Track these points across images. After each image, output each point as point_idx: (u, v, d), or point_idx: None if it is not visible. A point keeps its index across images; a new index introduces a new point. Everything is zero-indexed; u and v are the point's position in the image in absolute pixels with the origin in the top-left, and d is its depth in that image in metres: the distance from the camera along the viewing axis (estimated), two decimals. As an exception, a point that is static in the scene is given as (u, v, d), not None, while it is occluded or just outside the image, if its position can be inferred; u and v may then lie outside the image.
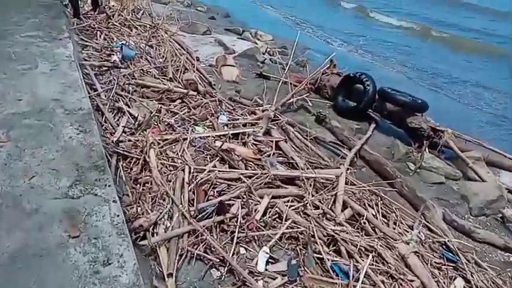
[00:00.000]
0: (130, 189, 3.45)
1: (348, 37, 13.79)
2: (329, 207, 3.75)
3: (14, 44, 4.81)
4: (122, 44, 6.22)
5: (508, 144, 6.15)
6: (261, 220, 3.44)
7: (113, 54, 5.90)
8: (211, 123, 4.88)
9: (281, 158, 4.53)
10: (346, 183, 4.05)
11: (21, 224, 2.33)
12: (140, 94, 5.14)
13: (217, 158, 4.12)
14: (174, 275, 2.69)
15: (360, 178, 4.52)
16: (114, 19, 7.45)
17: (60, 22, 5.80)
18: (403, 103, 5.85)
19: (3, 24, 5.30)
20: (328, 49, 11.49)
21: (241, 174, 3.83)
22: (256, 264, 3.00)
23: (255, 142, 4.67)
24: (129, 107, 4.74)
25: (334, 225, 3.50)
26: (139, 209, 3.20)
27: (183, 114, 4.93)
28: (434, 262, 3.42)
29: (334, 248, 3.30)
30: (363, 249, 3.27)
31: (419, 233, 3.63)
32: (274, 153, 4.55)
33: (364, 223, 3.53)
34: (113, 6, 8.35)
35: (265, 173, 3.84)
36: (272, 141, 4.73)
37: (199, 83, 5.87)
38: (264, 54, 9.20)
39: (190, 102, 5.25)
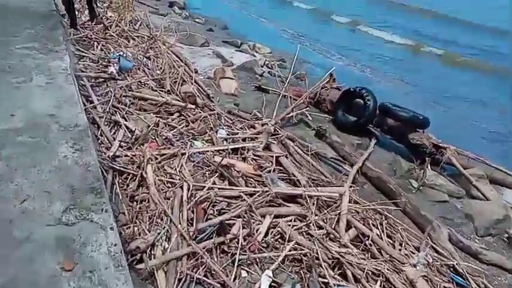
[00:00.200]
0: (126, 207, 3.31)
1: (345, 51, 13.78)
2: (333, 227, 3.62)
3: (8, 56, 4.62)
4: (119, 55, 6.11)
5: (509, 162, 6.05)
6: (263, 241, 3.31)
7: (110, 66, 5.79)
8: (210, 138, 4.76)
9: (282, 174, 4.42)
10: (349, 202, 3.93)
11: (11, 255, 2.13)
12: (137, 107, 5.02)
13: (217, 174, 3.99)
14: (172, 301, 2.53)
15: (363, 196, 4.39)
16: (111, 30, 7.35)
17: (57, 33, 5.62)
18: (404, 119, 5.78)
19: (-2, 35, 5.15)
20: (326, 63, 11.46)
21: (242, 191, 3.69)
22: (259, 288, 2.86)
23: (254, 157, 4.55)
24: (126, 120, 4.60)
25: (339, 247, 3.37)
26: (136, 228, 3.05)
27: (182, 128, 4.81)
28: (444, 287, 3.29)
29: (340, 271, 3.16)
30: (370, 273, 3.13)
31: (426, 255, 3.50)
32: (274, 169, 4.43)
33: (370, 245, 3.40)
34: (111, 17, 8.26)
35: (266, 191, 3.71)
36: (272, 157, 4.62)
37: (198, 96, 5.75)
38: (262, 67, 9.13)
39: (189, 116, 5.13)
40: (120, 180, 3.60)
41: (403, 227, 3.95)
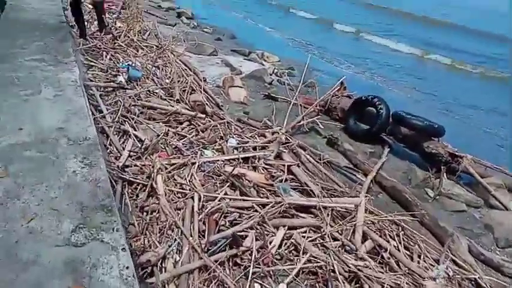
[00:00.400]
0: (136, 218, 3.22)
1: (353, 59, 13.71)
2: (348, 238, 3.49)
3: (17, 68, 4.54)
4: (128, 64, 6.09)
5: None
6: (277, 253, 3.20)
7: (119, 75, 5.76)
8: (220, 147, 4.68)
9: (294, 184, 4.31)
10: (364, 212, 3.80)
11: (17, 279, 2.00)
12: (147, 116, 4.96)
13: (228, 183, 3.90)
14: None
15: (377, 205, 4.26)
16: (120, 40, 7.37)
17: (67, 45, 5.56)
18: (420, 128, 5.65)
19: (8, 47, 5.10)
20: (335, 71, 11.39)
21: (255, 202, 3.59)
22: (274, 303, 2.74)
23: (265, 166, 4.46)
24: (135, 129, 4.55)
25: (356, 259, 3.24)
26: (146, 240, 2.97)
27: (191, 137, 4.75)
28: (466, 302, 3.14)
29: (357, 285, 3.03)
30: (389, 288, 3.00)
31: (446, 268, 3.35)
32: (286, 179, 4.33)
33: (388, 258, 3.26)
34: (119, 27, 8.31)
35: (279, 202, 3.60)
36: (284, 166, 4.52)
37: (207, 104, 5.70)
38: (271, 75, 9.08)
39: (199, 125, 5.07)
40: (130, 191, 3.52)
41: (420, 238, 3.80)
